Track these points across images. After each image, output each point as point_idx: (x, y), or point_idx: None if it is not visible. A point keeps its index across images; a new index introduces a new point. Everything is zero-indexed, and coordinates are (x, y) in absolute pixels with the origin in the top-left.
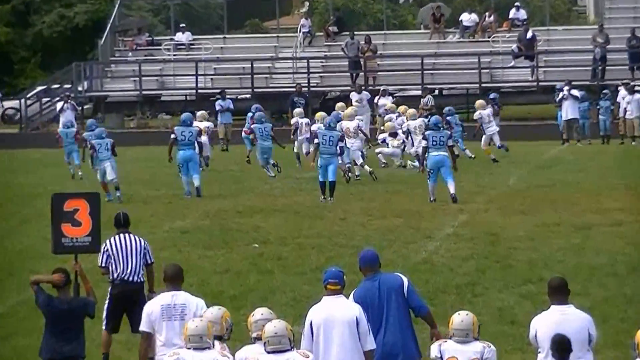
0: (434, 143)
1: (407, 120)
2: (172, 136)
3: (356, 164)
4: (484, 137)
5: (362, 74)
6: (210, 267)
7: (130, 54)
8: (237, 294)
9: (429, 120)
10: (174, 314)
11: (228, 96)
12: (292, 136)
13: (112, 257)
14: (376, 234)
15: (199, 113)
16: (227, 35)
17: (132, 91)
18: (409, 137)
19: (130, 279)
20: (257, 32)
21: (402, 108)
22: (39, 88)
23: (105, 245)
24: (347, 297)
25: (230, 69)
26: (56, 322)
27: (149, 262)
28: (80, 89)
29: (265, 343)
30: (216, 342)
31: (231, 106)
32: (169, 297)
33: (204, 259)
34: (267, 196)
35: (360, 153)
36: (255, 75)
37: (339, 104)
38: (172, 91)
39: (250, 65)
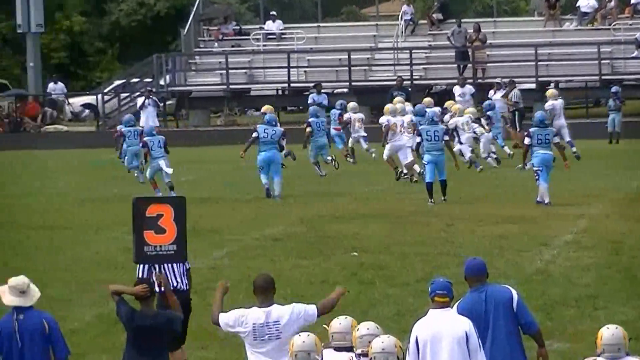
0: (539, 141)
1: (456, 117)
2: (254, 134)
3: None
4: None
5: (469, 65)
6: (304, 278)
7: (216, 44)
8: (335, 307)
9: (514, 115)
10: (268, 333)
11: (323, 90)
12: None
13: None
14: (486, 242)
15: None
16: (321, 24)
17: (218, 85)
18: (455, 134)
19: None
20: (355, 20)
21: (448, 103)
22: (117, 82)
23: None
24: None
25: (325, 60)
26: (139, 337)
27: None
28: (161, 83)
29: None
30: (352, 355)
31: (325, 101)
32: (262, 315)
33: (297, 268)
34: (367, 200)
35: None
36: (352, 68)
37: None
38: (262, 85)
39: (347, 57)
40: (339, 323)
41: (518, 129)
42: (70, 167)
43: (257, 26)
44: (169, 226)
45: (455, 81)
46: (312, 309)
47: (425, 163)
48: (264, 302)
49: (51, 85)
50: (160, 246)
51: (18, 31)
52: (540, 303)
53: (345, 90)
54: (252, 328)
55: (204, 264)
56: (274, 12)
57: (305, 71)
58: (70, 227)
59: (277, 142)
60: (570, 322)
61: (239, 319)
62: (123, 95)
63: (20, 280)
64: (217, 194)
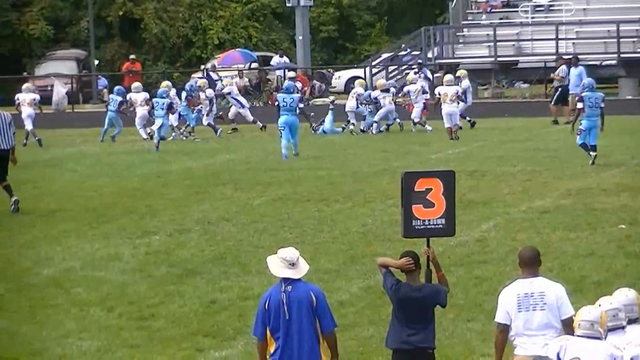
0: None
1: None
2: (277, 103)
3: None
4: None
5: None
6: (572, 250)
7: (483, 17)
8: (602, 280)
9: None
10: (532, 303)
11: (591, 62)
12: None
13: None
14: None
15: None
16: None
17: (486, 57)
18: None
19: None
20: None
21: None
22: (385, 55)
23: None
24: None
25: (593, 32)
26: (404, 310)
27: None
28: (429, 55)
29: None
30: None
31: (583, 75)
32: (527, 284)
33: (565, 241)
34: (635, 173)
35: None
36: (621, 39)
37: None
38: (530, 57)
39: (616, 28)
40: (625, 296)
41: (552, 103)
42: (335, 141)
43: None
44: (437, 200)
45: None
46: (568, 312)
47: (584, 129)
48: (530, 275)
49: (276, 58)
50: (429, 220)
51: (287, 5)
52: None
53: (614, 62)
54: (516, 300)
55: (470, 236)
56: None
57: (573, 43)
58: (339, 199)
59: (295, 107)
60: None
61: (504, 303)
62: (391, 67)
63: (290, 252)
64: (484, 167)
